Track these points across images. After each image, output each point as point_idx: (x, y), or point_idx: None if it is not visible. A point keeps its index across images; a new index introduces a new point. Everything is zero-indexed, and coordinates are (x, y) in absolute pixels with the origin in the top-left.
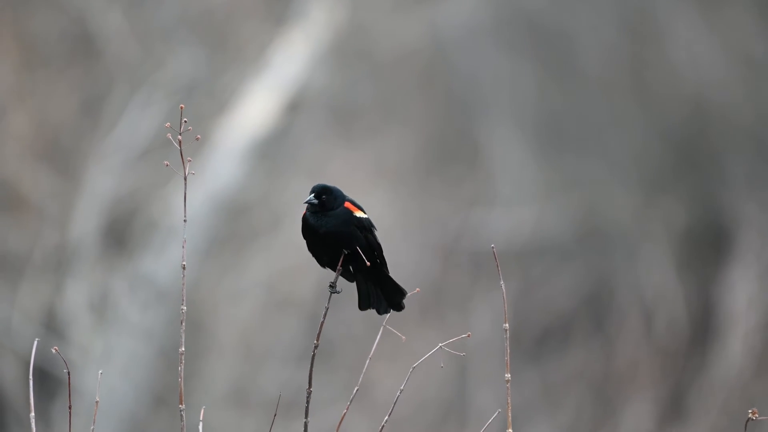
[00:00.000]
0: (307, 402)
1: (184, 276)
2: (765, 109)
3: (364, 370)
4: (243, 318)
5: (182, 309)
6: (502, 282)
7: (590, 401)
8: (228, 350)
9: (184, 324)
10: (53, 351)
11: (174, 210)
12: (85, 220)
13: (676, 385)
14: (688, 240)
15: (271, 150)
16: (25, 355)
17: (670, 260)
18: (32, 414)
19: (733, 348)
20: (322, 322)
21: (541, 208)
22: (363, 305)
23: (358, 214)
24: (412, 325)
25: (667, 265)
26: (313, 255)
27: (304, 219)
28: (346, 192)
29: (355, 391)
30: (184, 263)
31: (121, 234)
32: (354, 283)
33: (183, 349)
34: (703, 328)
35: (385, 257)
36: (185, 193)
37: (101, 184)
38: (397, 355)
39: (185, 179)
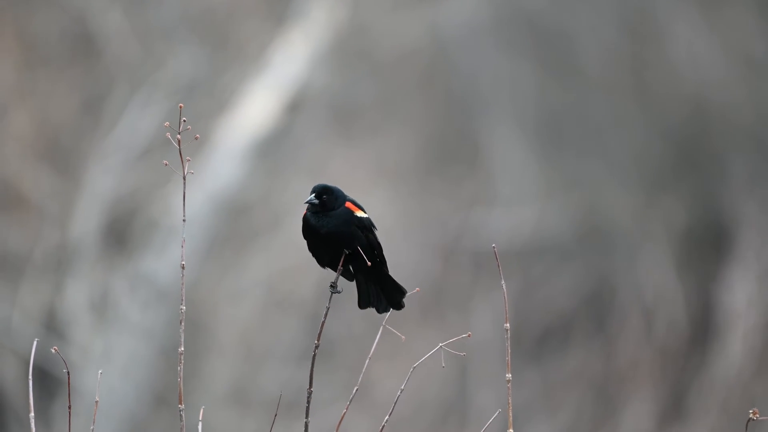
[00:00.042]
0: (308, 402)
1: (183, 276)
2: (765, 108)
3: (363, 370)
4: (243, 318)
5: (181, 309)
6: (503, 282)
7: (591, 401)
8: (228, 350)
9: (183, 324)
10: (53, 351)
11: (174, 210)
12: (86, 220)
13: (677, 385)
14: (688, 240)
15: (272, 149)
16: (26, 355)
17: (671, 260)
18: (32, 414)
19: (733, 348)
20: (323, 322)
21: (541, 208)
22: (363, 304)
23: (359, 213)
24: (412, 325)
25: (667, 265)
26: (314, 255)
27: (305, 219)
28: (347, 192)
29: (354, 391)
30: (183, 263)
31: (122, 233)
32: (354, 283)
33: (182, 348)
34: (703, 327)
35: (386, 257)
36: (184, 193)
37: (102, 183)
38: (397, 355)
39: (184, 179)
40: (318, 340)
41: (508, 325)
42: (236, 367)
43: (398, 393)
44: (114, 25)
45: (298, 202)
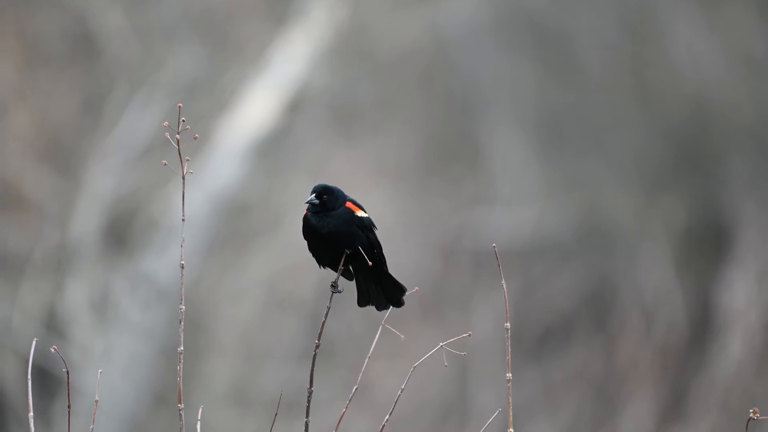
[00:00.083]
0: (308, 401)
1: (182, 275)
2: (765, 108)
3: (363, 370)
4: (243, 317)
5: (181, 308)
6: (503, 281)
7: (591, 401)
8: (228, 350)
9: (182, 323)
10: (52, 350)
11: (174, 209)
12: (86, 220)
13: (677, 385)
14: (688, 239)
15: (272, 149)
16: (26, 355)
17: (671, 260)
18: (31, 414)
19: (733, 347)
20: (324, 322)
21: (541, 208)
22: (362, 302)
23: (360, 213)
24: (412, 325)
25: (667, 265)
26: (314, 255)
27: (306, 219)
28: (347, 191)
29: (354, 391)
30: (183, 263)
31: (122, 233)
32: (354, 282)
33: (182, 348)
34: (703, 327)
35: (386, 256)
36: (183, 193)
37: (102, 183)
38: (397, 354)
39: (183, 178)
40: (319, 340)
41: (508, 324)
42: (236, 367)
43: (398, 392)
44: (114, 24)
45: (298, 202)
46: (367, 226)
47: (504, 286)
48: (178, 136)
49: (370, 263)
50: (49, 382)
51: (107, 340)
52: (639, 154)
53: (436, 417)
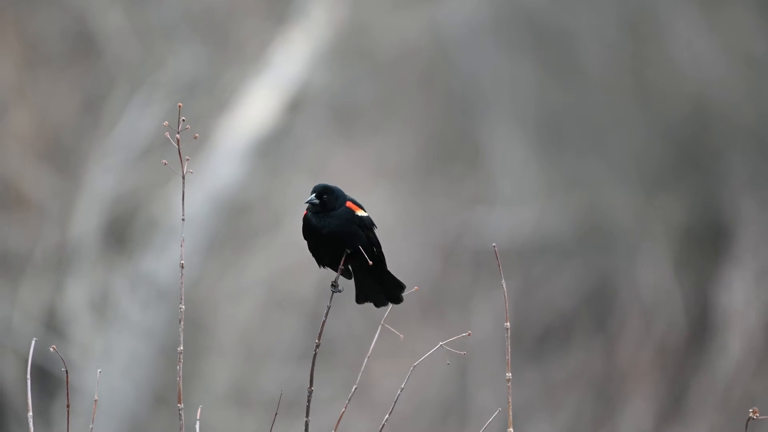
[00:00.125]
0: (308, 401)
1: (182, 275)
2: (766, 108)
3: (362, 369)
4: (243, 317)
5: (181, 308)
6: (503, 281)
7: (591, 400)
8: (228, 349)
9: (182, 323)
10: (51, 349)
11: (175, 209)
12: (86, 219)
13: (677, 384)
14: (688, 239)
15: (272, 149)
16: (26, 354)
17: (671, 259)
18: (30, 413)
19: (733, 347)
20: (324, 321)
21: (541, 207)
22: (360, 299)
23: (360, 212)
24: (412, 324)
25: (667, 264)
26: (314, 255)
27: (306, 219)
28: (347, 191)
29: (353, 390)
30: (183, 262)
31: (122, 233)
32: (353, 280)
33: (182, 348)
34: (703, 326)
35: (386, 256)
36: (183, 192)
37: (102, 182)
38: (397, 354)
39: (183, 178)
40: (319, 339)
41: (508, 324)
42: (236, 367)
43: (398, 392)
44: (114, 24)
45: (298, 202)
46: (367, 225)
47: (504, 286)
48: (178, 135)
49: (370, 262)
50: (49, 381)
51: (107, 340)
52: (639, 154)
53: (436, 417)
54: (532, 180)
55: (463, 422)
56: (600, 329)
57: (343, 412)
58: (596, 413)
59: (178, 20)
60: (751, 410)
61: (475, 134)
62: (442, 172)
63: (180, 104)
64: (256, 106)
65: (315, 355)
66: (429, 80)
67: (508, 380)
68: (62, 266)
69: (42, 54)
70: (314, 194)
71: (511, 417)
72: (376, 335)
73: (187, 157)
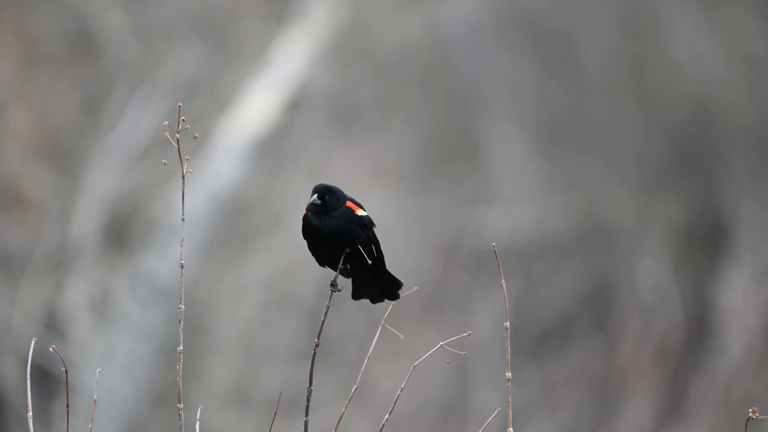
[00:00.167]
0: (308, 401)
1: (182, 275)
2: (765, 108)
3: (362, 369)
4: (243, 317)
5: (181, 308)
6: (503, 281)
7: (591, 400)
8: (228, 349)
9: (182, 323)
10: (51, 349)
11: (175, 209)
12: (86, 219)
13: (677, 384)
14: (688, 238)
15: (272, 148)
16: (26, 355)
17: (671, 259)
18: (30, 413)
19: (732, 347)
20: (323, 321)
21: (541, 207)
22: (356, 295)
23: (360, 212)
24: (412, 324)
25: (667, 264)
26: (314, 255)
27: (306, 219)
28: (347, 191)
29: (353, 390)
30: (183, 262)
31: (122, 233)
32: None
33: (182, 348)
34: (703, 326)
35: (386, 257)
36: (183, 192)
37: (102, 182)
38: (397, 354)
39: (183, 178)
40: (318, 339)
41: (508, 324)
42: (236, 367)
43: (398, 392)
44: (114, 24)
45: (298, 201)
46: (366, 224)
47: (504, 286)
48: (177, 135)
49: (369, 262)
50: (49, 381)
51: (107, 340)
52: (639, 154)
53: (436, 417)
54: (532, 180)
55: (463, 422)
56: (600, 329)
57: (343, 412)
58: (596, 413)
59: (178, 20)
60: (750, 410)
61: (475, 134)
62: (442, 172)
63: (180, 104)
64: (256, 106)
65: (314, 354)
66: (429, 80)
67: (508, 380)
68: (62, 266)
69: (42, 54)
70: (316, 195)
71: (510, 417)
72: (377, 335)
73: (187, 156)
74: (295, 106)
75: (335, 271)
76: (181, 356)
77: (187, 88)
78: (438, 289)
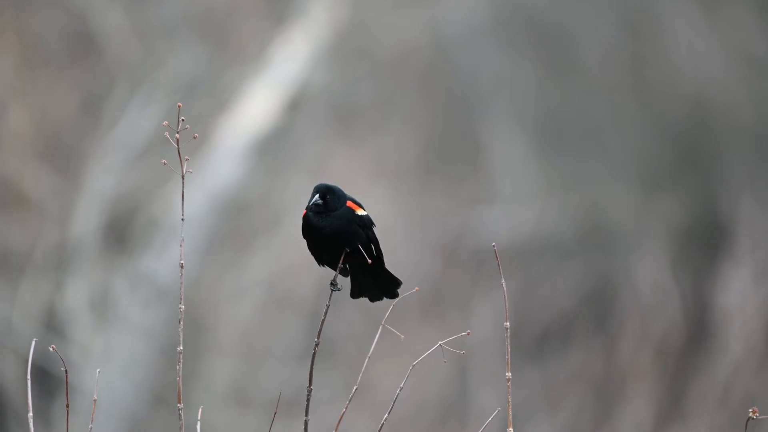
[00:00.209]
0: (308, 400)
1: (182, 275)
2: (765, 108)
3: (363, 369)
4: (243, 317)
5: (180, 308)
6: (503, 281)
7: (591, 400)
8: (228, 349)
9: (182, 323)
10: (51, 349)
11: (175, 208)
12: (86, 219)
13: (677, 384)
14: (688, 239)
15: (272, 148)
16: (26, 355)
17: (671, 259)
18: (30, 414)
19: (732, 347)
20: (323, 320)
21: (541, 207)
22: (355, 293)
23: (360, 212)
24: (412, 324)
25: (668, 264)
26: (313, 254)
27: (307, 219)
28: (347, 191)
29: (354, 390)
30: (182, 262)
31: (122, 232)
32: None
33: (181, 347)
34: (702, 326)
35: (386, 257)
36: (183, 192)
37: (102, 182)
38: (397, 354)
39: (183, 178)
40: (318, 338)
41: (507, 323)
42: (236, 367)
43: (398, 391)
44: (114, 24)
45: (298, 201)
46: (366, 224)
47: (504, 286)
48: (177, 135)
49: (369, 261)
50: (49, 381)
51: (107, 340)
52: (639, 154)
53: (436, 417)
54: (532, 180)
55: (463, 422)
56: (600, 329)
57: (343, 413)
58: (596, 413)
59: (178, 20)
60: (750, 410)
61: (475, 134)
62: (442, 172)
63: (180, 104)
64: (256, 106)
65: (314, 353)
66: (429, 80)
67: (508, 380)
68: (62, 266)
69: (42, 54)
70: (317, 194)
71: (510, 417)
72: (377, 336)
73: (186, 156)
74: (295, 106)
75: (335, 270)
76: (181, 356)
77: (187, 88)
78: (438, 289)
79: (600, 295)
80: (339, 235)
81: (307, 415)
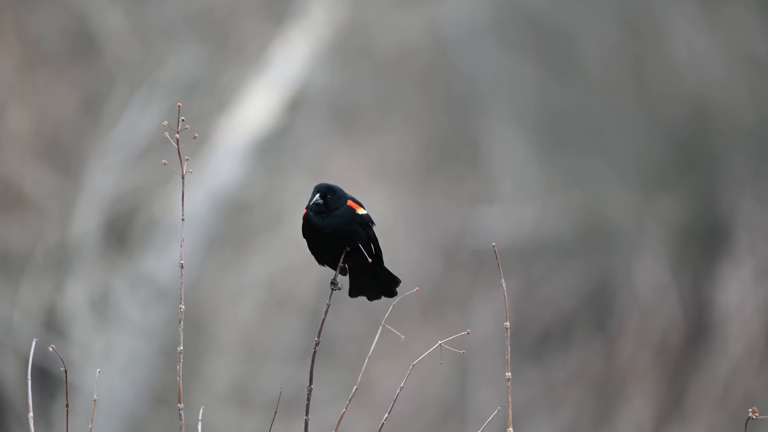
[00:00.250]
0: (308, 399)
1: (182, 275)
2: (765, 108)
3: (363, 369)
4: (244, 317)
5: (181, 308)
6: (503, 281)
7: (591, 400)
8: (229, 349)
9: (182, 323)
10: (50, 349)
11: (175, 208)
12: (86, 219)
13: (676, 384)
14: (688, 238)
15: (272, 148)
16: (26, 355)
17: (671, 259)
18: (30, 414)
19: (732, 347)
20: (324, 319)
21: (541, 207)
22: (353, 292)
23: (360, 211)
24: (412, 324)
25: (668, 264)
26: (314, 254)
27: (307, 218)
28: (347, 190)
29: (354, 391)
30: (183, 262)
31: (122, 232)
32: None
33: (182, 347)
34: (702, 326)
35: (385, 256)
36: (183, 192)
37: (102, 182)
38: (397, 354)
39: (183, 178)
40: (318, 337)
41: (508, 323)
42: (237, 367)
43: (398, 391)
44: (114, 24)
45: (298, 201)
46: (366, 223)
47: (503, 286)
48: (177, 135)
49: (369, 260)
50: (49, 381)
51: (107, 340)
52: (639, 154)
53: (436, 417)
54: (532, 180)
55: (463, 422)
56: (600, 329)
57: (344, 413)
58: (596, 413)
59: (178, 20)
60: (750, 410)
61: (475, 134)
62: (442, 172)
63: (180, 104)
64: (256, 106)
65: (315, 353)
66: (429, 80)
67: (508, 380)
68: (62, 266)
69: (42, 54)
70: (318, 194)
71: (510, 417)
72: (377, 336)
73: (186, 156)
74: (295, 106)
75: (335, 270)
76: (182, 356)
77: (187, 88)
78: (438, 289)
79: (600, 295)
80: (340, 235)
81: (307, 414)
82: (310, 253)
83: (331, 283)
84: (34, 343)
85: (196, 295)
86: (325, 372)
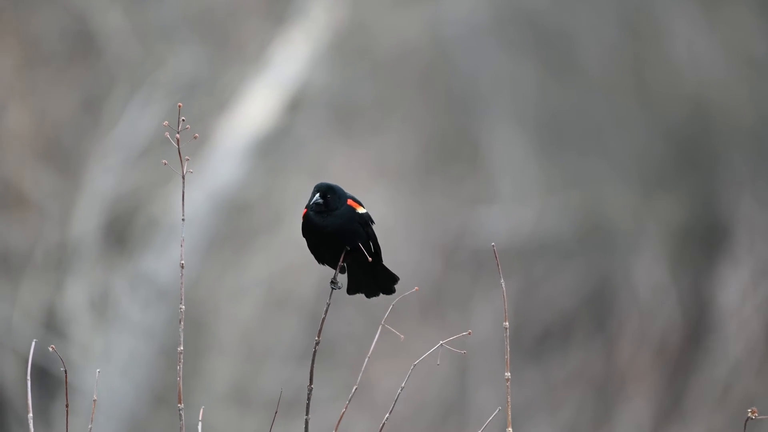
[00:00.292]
0: (308, 399)
1: (182, 275)
2: (765, 108)
3: (363, 369)
4: (244, 317)
5: (181, 308)
6: (502, 280)
7: (591, 400)
8: (229, 349)
9: (182, 323)
10: (50, 349)
11: (175, 208)
12: (86, 219)
13: (676, 384)
14: (688, 238)
15: (272, 148)
16: (26, 355)
17: (671, 259)
18: (30, 414)
19: (732, 347)
20: (324, 318)
21: (541, 207)
22: (351, 290)
23: (360, 210)
24: (412, 324)
25: (668, 264)
26: (313, 253)
27: (307, 218)
28: (347, 190)
29: (353, 391)
30: (183, 262)
31: (122, 232)
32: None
33: (182, 347)
34: (702, 326)
35: (386, 257)
36: (183, 192)
37: (102, 182)
38: (397, 354)
39: (183, 178)
40: (318, 337)
41: (507, 323)
42: (237, 367)
43: (399, 391)
44: (114, 24)
45: (298, 201)
46: (366, 222)
47: (503, 286)
48: (177, 135)
49: (369, 259)
50: (49, 381)
51: (107, 340)
52: (639, 154)
53: (436, 417)
54: (532, 180)
55: (463, 422)
56: (600, 329)
57: (343, 413)
58: (596, 413)
59: (178, 20)
60: (750, 410)
61: (475, 134)
62: (442, 172)
63: (180, 104)
64: (256, 106)
65: (315, 352)
66: (429, 80)
67: (508, 380)
68: (62, 266)
69: (42, 54)
70: (318, 194)
71: (510, 416)
72: (377, 335)
73: (187, 156)
74: (295, 106)
75: (335, 269)
76: (182, 356)
77: (187, 88)
78: (438, 289)
79: (600, 295)
80: (340, 234)
81: (307, 414)
82: (310, 252)
83: (331, 282)
84: (33, 343)
85: (196, 295)
86: (325, 372)
